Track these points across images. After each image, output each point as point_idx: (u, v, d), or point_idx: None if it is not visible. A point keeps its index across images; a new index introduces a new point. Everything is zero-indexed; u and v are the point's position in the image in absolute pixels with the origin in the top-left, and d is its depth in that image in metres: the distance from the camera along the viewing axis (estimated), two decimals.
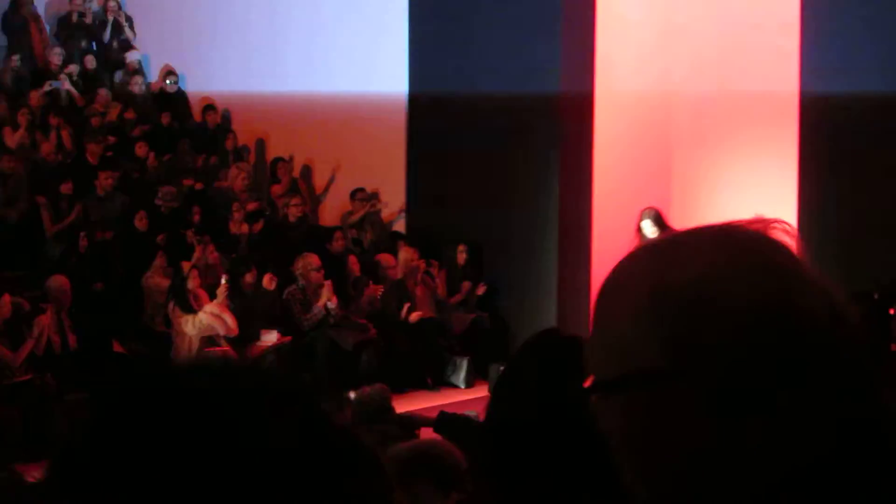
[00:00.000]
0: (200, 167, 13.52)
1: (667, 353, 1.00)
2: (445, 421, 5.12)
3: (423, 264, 12.07)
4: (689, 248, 1.04)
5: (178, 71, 14.62)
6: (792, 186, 11.14)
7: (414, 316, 11.59)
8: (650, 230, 10.65)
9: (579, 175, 11.92)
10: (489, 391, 7.33)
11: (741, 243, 1.04)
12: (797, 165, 10.92)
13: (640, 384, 1.01)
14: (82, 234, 10.96)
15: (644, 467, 1.02)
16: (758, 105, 11.84)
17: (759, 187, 11.75)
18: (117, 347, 10.01)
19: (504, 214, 12.16)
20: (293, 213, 12.43)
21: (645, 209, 10.79)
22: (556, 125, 11.78)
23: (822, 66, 10.82)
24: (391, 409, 6.53)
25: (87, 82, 14.28)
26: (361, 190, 13.12)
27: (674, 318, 1.00)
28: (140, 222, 11.53)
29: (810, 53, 10.87)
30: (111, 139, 13.24)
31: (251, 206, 12.59)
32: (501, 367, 6.92)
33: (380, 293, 11.61)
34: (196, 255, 11.02)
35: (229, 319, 10.35)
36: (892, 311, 7.00)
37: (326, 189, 13.79)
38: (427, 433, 6.03)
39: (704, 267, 1.01)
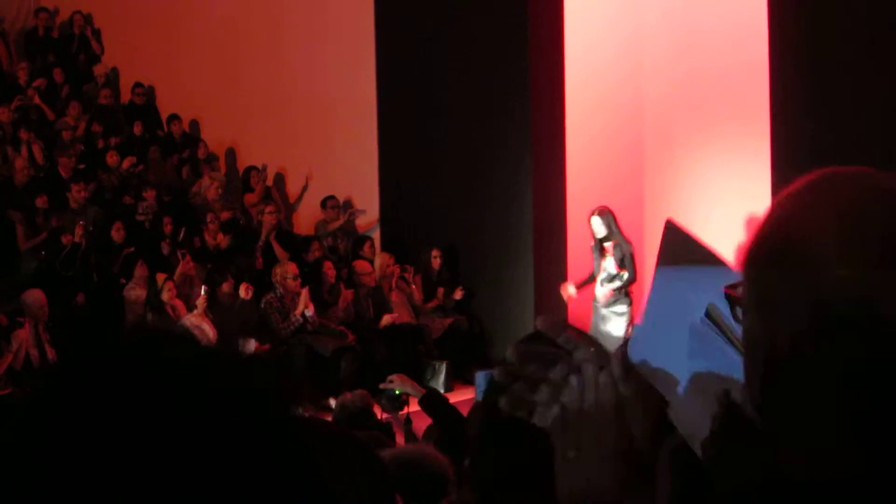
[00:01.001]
0: (173, 177, 13.62)
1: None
2: (432, 398, 5.23)
3: (398, 270, 12.11)
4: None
5: (147, 82, 14.65)
6: (766, 181, 11.25)
7: (385, 319, 11.60)
8: (600, 227, 10.66)
9: (552, 176, 11.95)
10: (477, 398, 7.41)
11: None
12: (770, 160, 11.02)
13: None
14: (61, 243, 11.07)
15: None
16: (729, 101, 11.88)
17: (733, 183, 11.79)
18: None
19: (478, 217, 12.19)
20: (268, 221, 12.48)
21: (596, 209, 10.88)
22: (528, 127, 11.82)
23: (789, 61, 10.95)
24: (374, 415, 6.48)
25: (56, 96, 14.37)
26: (332, 198, 13.17)
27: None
28: (117, 233, 11.61)
29: (777, 47, 10.97)
30: (80, 147, 13.31)
31: (225, 216, 12.63)
32: (485, 372, 6.89)
33: (351, 298, 11.63)
34: (179, 269, 11.06)
35: (208, 329, 10.45)
36: None
37: (300, 197, 13.83)
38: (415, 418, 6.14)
39: None
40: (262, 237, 12.33)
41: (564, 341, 1.25)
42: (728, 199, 11.86)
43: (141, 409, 0.81)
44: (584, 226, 11.32)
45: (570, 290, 10.93)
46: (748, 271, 1.15)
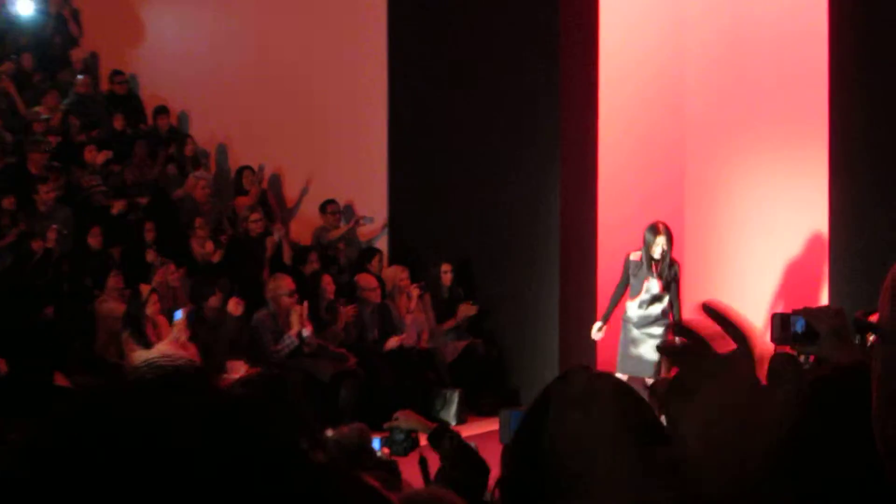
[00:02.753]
0: (158, 177, 13.57)
1: None
2: (443, 434, 5.16)
3: (414, 289, 12.10)
4: None
5: (129, 70, 14.63)
6: (822, 195, 11.20)
7: (392, 342, 11.61)
8: (662, 245, 10.78)
9: (582, 183, 12.02)
10: (503, 441, 7.30)
11: None
12: (828, 167, 10.99)
13: None
14: (31, 249, 11.00)
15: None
16: (782, 102, 11.94)
17: (787, 195, 11.87)
18: (60, 380, 9.95)
19: (498, 228, 12.23)
20: (253, 229, 12.48)
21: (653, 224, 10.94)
22: (557, 130, 11.85)
23: (852, 64, 10.91)
24: (372, 451, 6.35)
25: (26, 83, 14.31)
26: (332, 202, 13.16)
27: None
28: (93, 239, 11.55)
29: (839, 50, 10.96)
30: (54, 141, 13.25)
31: (214, 221, 12.66)
32: (514, 411, 6.71)
33: (352, 314, 11.63)
34: (156, 278, 11.03)
35: (190, 353, 10.34)
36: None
37: (299, 202, 13.83)
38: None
39: None
40: (270, 248, 12.33)
41: (722, 326, 1.26)
42: (782, 208, 11.86)
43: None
44: (615, 238, 11.34)
45: (596, 333, 11.03)
46: (892, 289, 1.13)
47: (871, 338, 1.21)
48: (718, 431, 1.22)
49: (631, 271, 10.86)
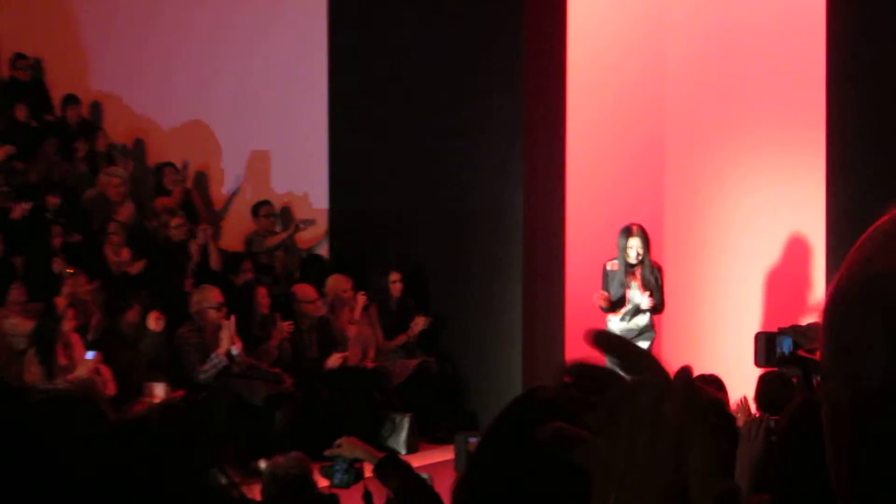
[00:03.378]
0: (66, 175, 13.44)
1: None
2: (391, 464, 5.10)
3: (361, 297, 12.14)
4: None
5: (34, 53, 14.53)
6: (816, 196, 11.27)
7: (333, 360, 11.61)
8: (638, 249, 10.93)
9: (548, 180, 12.03)
10: (458, 470, 7.31)
11: None
12: (825, 173, 11.06)
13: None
14: None
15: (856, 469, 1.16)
16: (776, 96, 12.21)
17: (778, 196, 12.10)
18: None
19: (453, 233, 12.30)
20: (176, 234, 12.49)
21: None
22: (520, 124, 11.92)
23: (849, 59, 11.01)
24: (314, 484, 6.42)
25: None
26: (266, 204, 13.21)
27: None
28: None
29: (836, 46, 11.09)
30: None
31: (131, 225, 12.57)
32: (472, 440, 6.89)
33: (289, 330, 11.66)
34: (65, 290, 10.90)
35: (104, 375, 10.30)
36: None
37: (228, 203, 13.80)
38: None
39: None
40: (196, 254, 12.33)
41: (619, 358, 1.28)
42: (772, 210, 12.09)
43: None
44: (587, 244, 11.48)
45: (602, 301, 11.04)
46: (830, 321, 1.19)
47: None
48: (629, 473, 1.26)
49: (610, 282, 10.87)
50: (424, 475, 5.88)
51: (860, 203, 10.54)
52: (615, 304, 10.98)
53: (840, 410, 1.18)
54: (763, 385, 7.40)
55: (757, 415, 7.33)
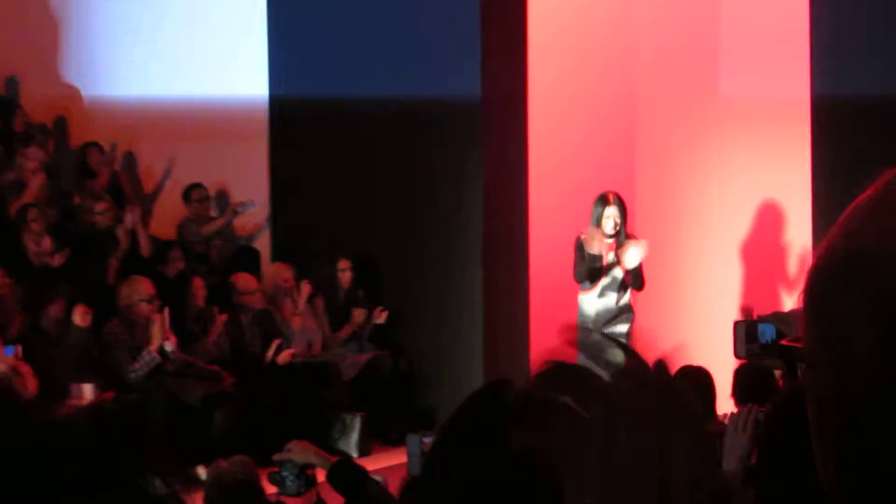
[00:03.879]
0: None
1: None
2: (344, 469, 5.09)
3: (305, 286, 12.14)
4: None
5: None
6: (801, 168, 11.35)
7: (282, 355, 11.58)
8: (615, 219, 10.95)
9: (510, 155, 12.04)
10: (410, 473, 7.34)
11: None
12: (810, 143, 11.15)
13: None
14: None
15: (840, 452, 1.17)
16: (758, 71, 12.31)
17: (760, 168, 12.26)
18: None
19: (406, 216, 12.34)
20: (102, 221, 12.44)
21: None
22: (478, 91, 11.96)
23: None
24: (260, 491, 6.39)
25: None
26: (199, 187, 13.14)
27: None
28: None
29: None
30: None
31: (52, 212, 12.48)
32: (427, 439, 6.96)
33: (224, 323, 11.68)
34: None
35: (24, 375, 10.20)
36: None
37: (160, 186, 13.71)
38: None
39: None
40: (124, 241, 12.27)
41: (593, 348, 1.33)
42: (753, 185, 12.46)
43: None
44: (550, 227, 11.73)
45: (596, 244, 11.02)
46: (811, 303, 1.20)
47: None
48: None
49: (585, 255, 10.83)
50: (379, 478, 5.87)
51: (847, 173, 10.59)
52: (591, 276, 10.93)
53: (825, 398, 1.19)
54: (739, 378, 7.40)
55: (736, 410, 7.34)
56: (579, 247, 10.93)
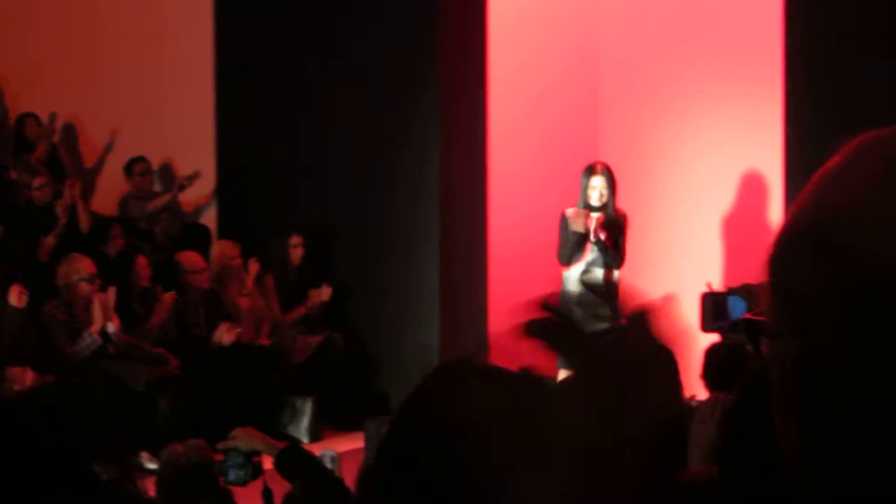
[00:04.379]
0: None
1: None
2: (293, 456, 5.11)
3: (253, 264, 12.17)
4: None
5: None
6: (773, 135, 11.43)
7: (229, 336, 11.61)
8: (602, 191, 11.00)
9: (468, 127, 12.03)
10: (368, 456, 7.37)
11: None
12: (782, 108, 11.20)
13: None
14: None
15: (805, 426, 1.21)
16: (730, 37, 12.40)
17: (728, 136, 12.32)
18: None
19: (360, 192, 12.37)
20: (39, 196, 12.36)
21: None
22: (433, 61, 11.95)
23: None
24: (215, 479, 6.20)
25: None
26: (141, 160, 13.10)
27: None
28: None
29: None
30: None
31: None
32: (386, 424, 6.89)
33: (171, 306, 11.65)
34: None
35: None
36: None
37: (102, 160, 13.63)
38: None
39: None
40: (62, 216, 12.18)
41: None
42: (728, 152, 12.33)
43: None
44: (511, 196, 11.84)
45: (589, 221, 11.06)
46: (775, 271, 1.22)
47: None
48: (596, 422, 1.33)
49: (568, 234, 10.89)
50: (331, 453, 5.90)
51: (820, 143, 10.63)
52: (573, 255, 10.99)
53: (789, 371, 1.21)
54: (710, 358, 7.24)
55: (707, 394, 7.35)
56: (564, 224, 11.03)
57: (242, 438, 5.74)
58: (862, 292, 1.14)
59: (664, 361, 1.34)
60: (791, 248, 1.22)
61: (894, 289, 1.13)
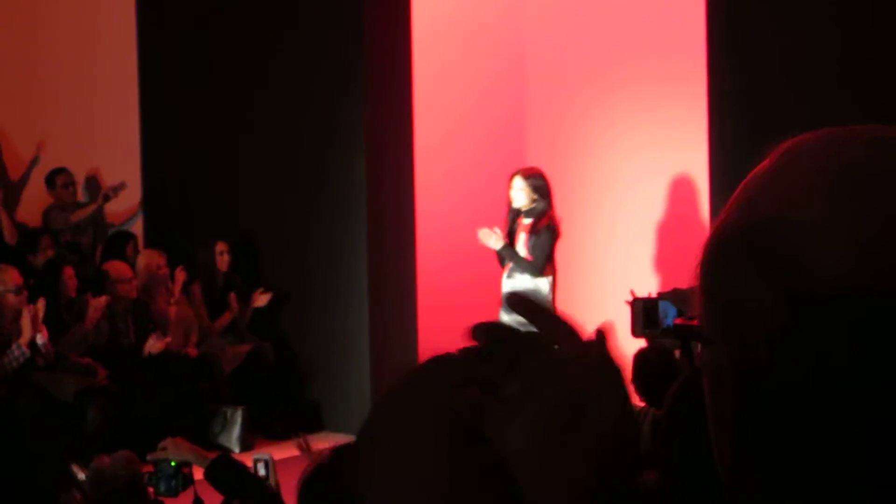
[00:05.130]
0: None
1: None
2: (223, 466, 5.12)
3: (180, 273, 12.08)
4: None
5: None
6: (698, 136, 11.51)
7: (157, 345, 11.52)
8: (516, 193, 11.03)
9: (395, 132, 11.97)
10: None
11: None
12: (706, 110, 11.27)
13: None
14: None
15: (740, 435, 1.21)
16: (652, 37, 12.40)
17: (654, 137, 12.32)
18: None
19: (287, 197, 12.30)
20: None
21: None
22: (359, 63, 11.86)
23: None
24: (145, 489, 6.23)
25: None
26: (63, 171, 12.91)
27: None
28: None
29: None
30: None
31: None
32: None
33: (99, 317, 11.51)
34: None
35: None
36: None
37: (27, 174, 13.44)
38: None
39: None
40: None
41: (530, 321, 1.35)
42: (655, 155, 12.28)
43: None
44: (438, 213, 12.04)
45: (491, 238, 11.00)
46: (707, 276, 1.23)
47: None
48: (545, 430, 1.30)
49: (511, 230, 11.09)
50: (266, 456, 5.91)
51: (744, 142, 10.70)
52: (502, 263, 11.02)
53: (722, 374, 1.21)
54: (638, 363, 7.12)
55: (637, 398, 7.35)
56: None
57: (172, 449, 5.74)
58: (794, 299, 1.15)
59: (617, 378, 1.33)
60: (722, 254, 1.22)
61: (825, 294, 1.13)
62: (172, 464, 5.79)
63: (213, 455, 5.36)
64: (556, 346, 1.31)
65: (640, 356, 7.28)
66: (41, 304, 10.84)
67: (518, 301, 1.35)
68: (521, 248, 10.96)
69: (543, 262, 10.94)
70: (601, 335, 1.31)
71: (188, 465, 5.77)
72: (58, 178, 12.87)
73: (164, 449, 5.80)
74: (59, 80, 13.27)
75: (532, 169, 11.17)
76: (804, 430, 1.16)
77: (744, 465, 1.22)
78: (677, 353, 7.35)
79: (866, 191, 1.15)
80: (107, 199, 13.04)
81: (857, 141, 1.20)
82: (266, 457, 5.81)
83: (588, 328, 1.36)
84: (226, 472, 5.13)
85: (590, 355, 1.29)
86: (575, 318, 1.32)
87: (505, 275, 11.01)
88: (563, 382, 1.28)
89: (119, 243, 12.69)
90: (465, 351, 1.34)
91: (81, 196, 13.18)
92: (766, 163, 1.24)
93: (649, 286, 11.84)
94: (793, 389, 1.16)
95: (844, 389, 1.14)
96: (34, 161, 13.46)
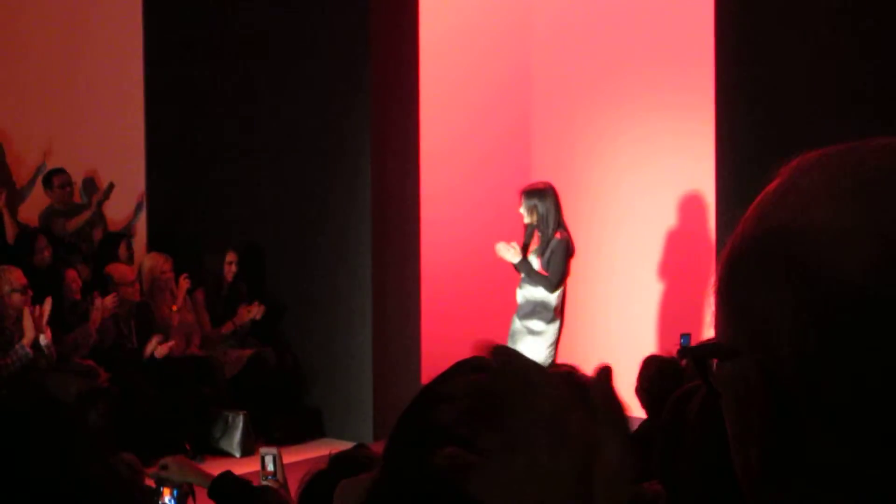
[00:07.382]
0: None
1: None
2: (227, 485, 5.08)
3: (184, 281, 12.09)
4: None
5: None
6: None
7: (162, 349, 11.53)
8: (525, 211, 10.94)
9: (401, 143, 11.98)
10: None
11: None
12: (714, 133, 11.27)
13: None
14: None
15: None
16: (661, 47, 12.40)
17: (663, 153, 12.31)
18: None
19: (291, 207, 12.31)
20: None
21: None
22: (366, 75, 11.86)
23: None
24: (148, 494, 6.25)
25: None
26: (61, 172, 12.85)
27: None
28: None
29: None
30: None
31: None
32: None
33: (101, 319, 11.49)
34: None
35: None
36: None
37: (34, 178, 13.41)
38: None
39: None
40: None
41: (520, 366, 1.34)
42: (665, 185, 12.24)
43: None
44: (442, 223, 12.06)
45: (509, 252, 10.91)
46: (727, 291, 1.23)
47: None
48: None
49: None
50: (273, 451, 5.87)
51: (752, 156, 10.70)
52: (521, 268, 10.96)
53: (749, 388, 1.20)
54: (647, 370, 7.05)
55: (642, 409, 7.30)
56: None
57: (173, 467, 5.69)
58: (815, 306, 1.14)
59: (622, 421, 1.33)
60: (742, 266, 1.22)
61: (846, 301, 1.13)
62: (175, 485, 5.70)
63: (214, 473, 5.21)
64: (545, 392, 1.31)
65: (648, 363, 7.27)
66: (48, 304, 10.82)
67: (500, 351, 1.35)
68: (535, 261, 10.89)
69: (559, 279, 10.85)
70: (605, 374, 1.32)
71: (188, 485, 5.66)
72: (55, 179, 12.79)
73: (165, 466, 5.67)
74: (63, 79, 13.24)
75: (530, 186, 11.08)
76: (837, 439, 1.15)
77: (772, 477, 1.21)
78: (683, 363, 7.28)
79: (888, 196, 1.15)
80: (100, 203, 13.00)
81: (876, 149, 1.20)
82: (273, 451, 5.77)
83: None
84: (229, 490, 5.05)
85: (590, 401, 1.30)
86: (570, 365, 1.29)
87: (519, 285, 10.97)
88: (559, 431, 1.28)
89: (112, 244, 12.68)
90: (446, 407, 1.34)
91: (79, 197, 13.15)
92: (778, 179, 1.24)
93: (654, 296, 11.84)
94: (822, 396, 1.15)
95: (872, 394, 1.13)
96: (40, 168, 13.45)
